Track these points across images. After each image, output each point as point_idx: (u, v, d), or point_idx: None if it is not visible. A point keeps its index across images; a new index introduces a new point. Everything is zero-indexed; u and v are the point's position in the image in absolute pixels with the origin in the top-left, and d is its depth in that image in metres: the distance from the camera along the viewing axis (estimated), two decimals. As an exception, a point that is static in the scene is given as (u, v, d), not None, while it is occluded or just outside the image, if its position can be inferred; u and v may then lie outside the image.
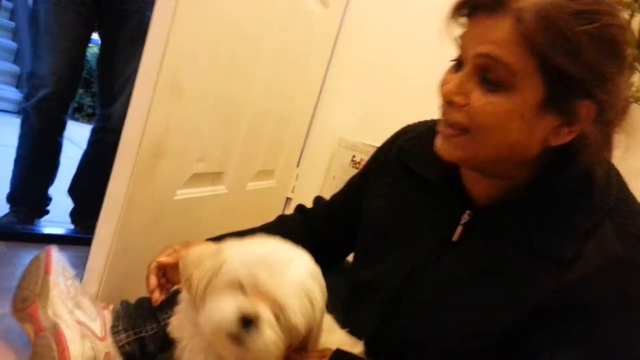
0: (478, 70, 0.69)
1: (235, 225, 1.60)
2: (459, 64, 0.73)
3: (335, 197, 1.14)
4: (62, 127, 1.79)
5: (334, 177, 2.11)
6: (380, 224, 0.94)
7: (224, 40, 1.23)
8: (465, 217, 0.81)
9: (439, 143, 0.76)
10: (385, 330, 0.87)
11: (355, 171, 1.95)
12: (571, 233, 0.72)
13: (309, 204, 2.21)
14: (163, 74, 1.06)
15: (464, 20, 0.72)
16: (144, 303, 1.05)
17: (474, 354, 0.77)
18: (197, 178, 1.33)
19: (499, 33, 0.66)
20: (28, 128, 1.73)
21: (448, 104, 0.72)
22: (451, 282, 0.80)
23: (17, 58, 4.71)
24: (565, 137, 0.69)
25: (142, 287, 1.16)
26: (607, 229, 0.71)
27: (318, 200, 1.24)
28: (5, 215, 1.78)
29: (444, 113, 0.74)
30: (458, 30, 0.72)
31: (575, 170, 0.71)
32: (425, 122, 0.98)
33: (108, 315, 1.03)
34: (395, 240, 0.90)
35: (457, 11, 0.71)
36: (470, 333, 0.77)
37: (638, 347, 0.71)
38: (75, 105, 4.56)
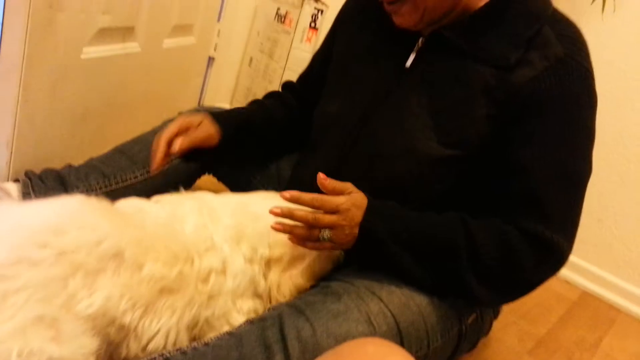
0: None
1: (152, 86, 1.51)
2: None
3: (308, 67, 1.18)
4: None
5: (258, 33, 1.99)
6: (342, 64, 1.01)
7: None
8: (419, 44, 0.88)
9: (398, 20, 0.85)
10: (351, 154, 0.92)
11: (280, 26, 1.86)
12: (515, 40, 0.81)
13: (231, 62, 2.10)
14: None
15: None
16: (49, 175, 1.00)
17: (449, 164, 0.85)
18: (105, 34, 1.20)
19: None
20: None
21: None
22: (409, 104, 0.87)
23: None
24: None
25: (55, 154, 1.09)
26: (547, 34, 0.81)
27: (287, 83, 1.22)
28: None
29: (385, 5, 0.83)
30: None
31: None
32: None
33: (13, 187, 0.97)
34: (355, 76, 0.96)
35: None
36: (440, 147, 0.84)
37: (579, 138, 0.83)
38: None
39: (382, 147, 0.90)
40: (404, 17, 0.85)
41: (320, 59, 1.12)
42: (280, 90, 1.20)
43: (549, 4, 0.85)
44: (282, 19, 1.83)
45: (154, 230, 0.75)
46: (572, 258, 0.87)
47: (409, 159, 0.87)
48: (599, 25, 1.59)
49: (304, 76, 1.18)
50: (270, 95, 1.18)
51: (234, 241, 0.80)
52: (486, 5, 0.84)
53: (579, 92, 0.82)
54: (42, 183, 0.99)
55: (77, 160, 1.07)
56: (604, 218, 1.65)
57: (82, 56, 1.14)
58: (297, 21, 1.76)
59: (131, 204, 0.81)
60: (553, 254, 0.81)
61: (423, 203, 0.88)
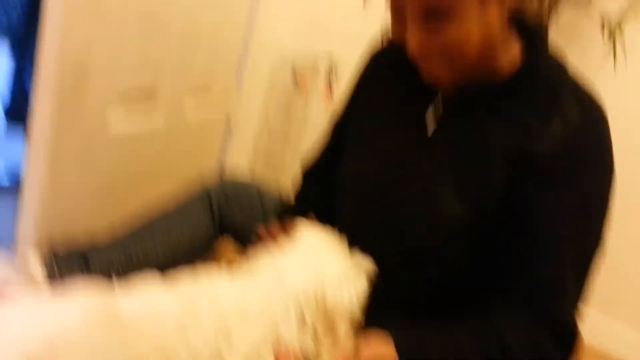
0: (424, 14, 0.74)
1: (172, 150, 1.53)
2: (396, 12, 0.78)
3: (325, 143, 1.15)
4: None
5: (275, 98, 2.03)
6: (360, 129, 0.99)
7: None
8: (440, 108, 0.88)
9: (432, 78, 0.83)
10: (370, 217, 0.91)
11: (296, 90, 1.89)
12: (535, 108, 0.82)
13: (249, 124, 2.14)
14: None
15: None
16: (73, 254, 1.01)
17: (471, 227, 0.83)
18: (129, 95, 1.23)
19: None
20: None
21: (419, 54, 0.79)
22: (431, 162, 0.87)
23: None
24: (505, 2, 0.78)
25: (81, 227, 1.10)
26: (567, 102, 0.81)
27: (304, 172, 1.18)
28: None
29: (416, 60, 0.81)
30: None
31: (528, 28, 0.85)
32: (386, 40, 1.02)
33: (35, 264, 0.98)
34: (375, 132, 0.95)
35: None
36: (462, 207, 0.83)
37: (594, 210, 0.82)
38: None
39: (402, 209, 0.89)
40: (437, 79, 0.84)
41: (338, 130, 1.11)
42: (302, 182, 1.17)
43: (568, 72, 0.86)
44: (299, 82, 1.88)
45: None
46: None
47: (430, 220, 0.85)
48: (611, 79, 1.61)
49: (325, 153, 1.15)
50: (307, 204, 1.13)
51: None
52: (510, 78, 0.84)
53: (597, 163, 0.81)
54: (66, 261, 1.00)
55: (102, 231, 1.08)
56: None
57: (105, 118, 1.17)
58: (313, 84, 1.80)
59: (140, 303, 0.76)
60: (569, 337, 0.79)
61: (442, 273, 0.86)
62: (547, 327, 0.78)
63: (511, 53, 0.85)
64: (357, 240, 0.87)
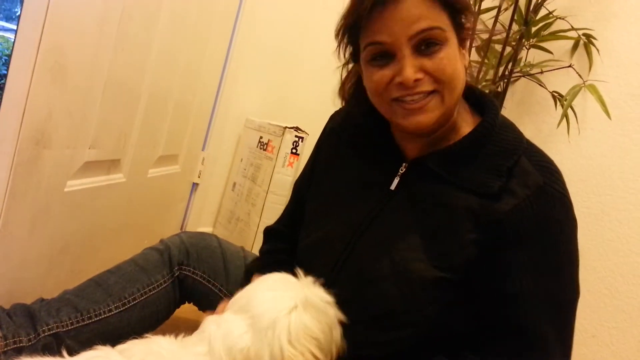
0: (418, 45, 0.80)
1: (135, 214, 1.51)
2: (381, 57, 0.83)
3: (288, 207, 1.17)
4: None
5: (241, 160, 2.05)
6: (323, 193, 1.02)
7: (113, 12, 1.12)
8: (402, 169, 0.91)
9: (420, 117, 0.84)
10: (340, 277, 0.90)
11: (262, 153, 1.92)
12: (496, 170, 0.84)
13: (215, 188, 2.14)
14: (42, 51, 0.94)
15: (364, 23, 0.82)
16: (18, 310, 0.96)
17: (440, 288, 0.83)
18: (90, 167, 1.21)
19: (421, 7, 0.79)
20: None
21: (414, 83, 0.81)
22: (398, 226, 0.88)
23: None
24: (467, 58, 0.87)
25: (30, 291, 1.05)
26: (525, 164, 0.84)
27: (269, 229, 1.19)
28: None
29: (410, 94, 0.83)
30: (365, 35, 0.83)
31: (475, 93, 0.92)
32: (342, 108, 1.06)
33: None
34: (340, 202, 0.97)
35: (355, 24, 0.84)
36: (430, 268, 0.83)
37: (565, 264, 0.84)
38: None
39: (371, 268, 0.88)
40: (426, 115, 0.83)
41: (303, 194, 1.11)
42: (265, 238, 1.16)
43: (523, 137, 0.90)
44: (265, 147, 1.90)
45: None
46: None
47: (400, 280, 0.85)
48: (565, 147, 1.68)
49: (288, 215, 1.16)
50: (273, 257, 1.12)
51: None
52: (467, 137, 0.88)
53: (561, 218, 0.83)
54: (10, 320, 0.94)
55: (54, 294, 1.03)
56: (597, 334, 1.60)
57: (66, 189, 1.15)
58: (279, 148, 1.82)
59: None
60: None
61: (415, 329, 0.85)
62: None
63: (464, 115, 0.91)
64: (330, 293, 0.85)
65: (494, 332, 0.82)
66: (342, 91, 0.99)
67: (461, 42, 0.85)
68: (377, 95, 0.86)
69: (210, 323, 0.77)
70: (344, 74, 0.97)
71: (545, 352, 0.79)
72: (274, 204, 1.80)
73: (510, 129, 0.89)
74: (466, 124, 0.90)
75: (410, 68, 0.80)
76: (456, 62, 0.82)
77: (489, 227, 0.81)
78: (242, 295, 0.81)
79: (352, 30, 0.86)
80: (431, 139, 0.89)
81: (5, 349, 0.91)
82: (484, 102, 0.92)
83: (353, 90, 0.97)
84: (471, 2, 1.08)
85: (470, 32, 0.87)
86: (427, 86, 0.81)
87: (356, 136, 0.99)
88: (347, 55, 0.91)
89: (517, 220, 0.81)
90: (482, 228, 0.82)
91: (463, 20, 0.84)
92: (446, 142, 0.89)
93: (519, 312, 0.80)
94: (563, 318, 0.83)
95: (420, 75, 0.80)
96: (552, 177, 0.84)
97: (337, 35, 0.89)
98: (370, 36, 0.82)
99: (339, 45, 0.90)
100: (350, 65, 0.94)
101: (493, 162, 0.85)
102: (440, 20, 0.80)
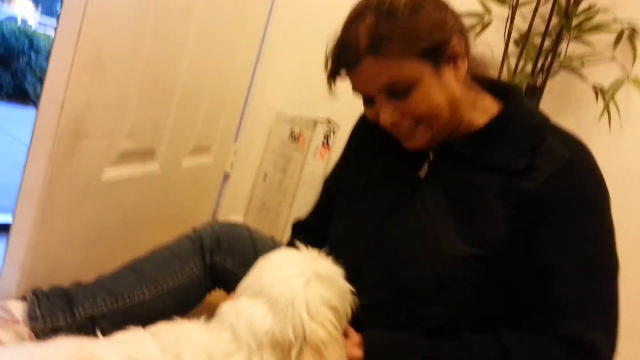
0: (388, 93, 0.86)
1: (168, 203, 1.54)
2: (367, 100, 0.91)
3: (318, 202, 1.20)
4: None
5: (272, 151, 2.06)
6: (354, 184, 1.04)
7: (149, 10, 1.14)
8: (430, 157, 0.94)
9: (413, 143, 0.90)
10: (371, 260, 0.92)
11: (294, 145, 1.93)
12: (521, 149, 0.86)
13: (246, 178, 2.16)
14: (81, 46, 0.97)
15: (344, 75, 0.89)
16: (56, 293, 1.00)
17: (474, 266, 0.85)
18: (126, 156, 1.25)
19: (377, 66, 0.83)
20: None
21: (392, 126, 0.89)
22: (429, 209, 0.90)
23: None
24: (462, 67, 0.88)
25: (68, 276, 1.09)
26: (551, 141, 0.86)
27: (297, 223, 1.22)
28: None
29: (395, 131, 0.91)
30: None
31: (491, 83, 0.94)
32: None
33: (18, 306, 0.97)
34: (369, 191, 0.99)
35: (333, 75, 0.90)
36: (464, 247, 0.85)
37: (599, 234, 0.84)
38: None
39: (404, 250, 0.90)
40: (417, 140, 0.89)
41: (331, 188, 1.14)
42: (293, 232, 1.19)
43: (547, 118, 0.91)
44: (296, 139, 1.91)
45: None
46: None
47: (433, 260, 0.87)
48: (606, 142, 1.63)
49: (318, 210, 1.18)
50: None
51: None
52: (490, 122, 0.90)
53: (591, 191, 0.84)
54: (48, 301, 0.98)
55: (89, 279, 1.06)
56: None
57: (103, 178, 1.18)
58: (310, 140, 1.83)
59: (121, 351, 0.75)
60: (592, 356, 0.78)
61: (448, 307, 0.87)
62: (557, 342, 0.78)
63: (483, 106, 0.92)
64: (356, 289, 0.87)
65: (531, 309, 0.82)
66: None
67: (445, 62, 0.86)
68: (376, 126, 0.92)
69: (229, 311, 0.79)
70: None
71: (585, 324, 0.79)
72: (304, 196, 1.80)
73: (534, 111, 0.93)
74: (486, 114, 0.92)
75: (384, 114, 0.87)
76: (431, 97, 0.85)
77: (519, 203, 0.83)
78: (253, 280, 0.83)
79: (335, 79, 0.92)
80: (451, 136, 0.92)
81: (44, 329, 0.95)
82: (507, 89, 0.94)
83: None
84: None
85: (456, 49, 0.86)
86: (406, 124, 0.88)
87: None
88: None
89: (547, 194, 0.82)
90: (513, 205, 0.83)
91: (443, 48, 0.84)
92: (467, 132, 0.92)
93: (555, 285, 0.80)
94: (603, 286, 0.82)
95: (397, 117, 0.87)
96: (579, 152, 0.86)
97: (328, 81, 0.93)
98: (351, 85, 0.90)
99: (330, 84, 0.93)
100: None
101: (519, 142, 0.87)
102: (401, 68, 0.83)
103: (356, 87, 0.89)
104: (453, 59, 0.87)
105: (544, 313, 0.81)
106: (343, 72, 0.89)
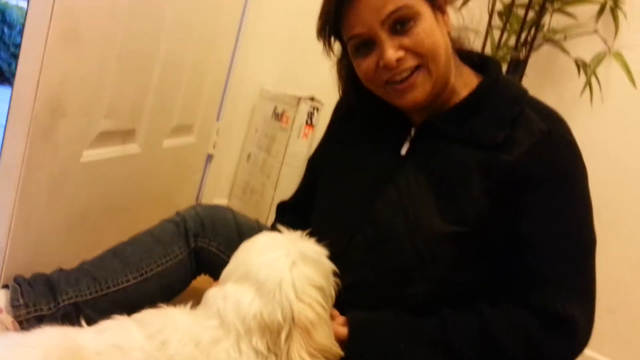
0: (392, 27, 0.83)
1: (150, 185, 1.51)
2: (363, 46, 0.87)
3: (302, 183, 1.19)
4: None
5: (256, 130, 2.03)
6: (336, 164, 1.03)
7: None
8: (411, 134, 0.93)
9: (413, 94, 0.87)
10: (355, 239, 0.92)
11: (277, 123, 1.90)
12: (500, 122, 0.86)
13: (229, 159, 2.13)
14: (56, 16, 0.93)
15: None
16: (38, 280, 0.98)
17: (455, 242, 0.86)
18: (105, 137, 1.21)
19: None
20: None
21: (397, 63, 0.85)
22: (411, 186, 0.90)
23: None
24: (448, 22, 0.89)
25: (50, 260, 1.06)
26: (529, 113, 0.87)
27: (282, 204, 1.22)
28: None
29: (397, 73, 0.86)
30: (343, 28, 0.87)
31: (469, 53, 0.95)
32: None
33: (1, 294, 0.95)
34: (351, 170, 0.99)
35: (333, 20, 0.87)
36: (445, 223, 0.86)
37: (577, 206, 0.85)
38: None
39: (386, 228, 0.90)
40: (417, 91, 0.87)
41: (316, 170, 1.13)
42: (277, 213, 1.19)
43: (525, 90, 0.92)
44: (280, 117, 1.88)
45: None
46: (588, 351, 0.84)
47: (414, 237, 0.87)
48: (588, 117, 1.64)
49: (302, 192, 1.18)
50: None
51: None
52: (470, 95, 0.91)
53: (568, 163, 0.85)
54: (31, 289, 0.96)
55: (72, 264, 1.04)
56: (617, 309, 1.58)
57: (82, 159, 1.15)
58: (294, 119, 1.80)
59: (105, 338, 0.74)
60: (568, 328, 0.80)
61: (430, 284, 0.88)
62: (533, 315, 0.80)
63: (465, 77, 0.93)
64: (340, 268, 0.87)
65: (510, 281, 0.84)
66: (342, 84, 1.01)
67: (439, 9, 0.87)
68: (370, 82, 0.90)
69: (215, 297, 0.78)
70: (341, 69, 0.99)
71: (563, 296, 0.81)
72: (289, 177, 1.79)
73: (512, 83, 0.94)
74: (467, 86, 0.92)
75: (389, 50, 0.84)
76: (433, 32, 0.84)
77: (498, 176, 0.84)
78: (238, 265, 0.82)
79: (331, 28, 0.90)
80: (434, 107, 0.92)
81: (27, 316, 0.92)
82: (485, 62, 0.95)
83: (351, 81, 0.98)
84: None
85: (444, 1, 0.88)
86: (410, 62, 0.85)
87: (367, 109, 1.00)
88: (336, 51, 0.95)
89: (525, 166, 0.83)
90: (492, 178, 0.84)
91: None
92: (449, 106, 0.92)
93: (535, 257, 0.82)
94: (580, 260, 0.84)
95: (401, 54, 0.84)
96: (556, 124, 0.87)
97: (319, 36, 0.92)
98: (348, 31, 0.87)
99: (324, 45, 0.93)
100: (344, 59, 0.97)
101: (497, 115, 0.88)
102: None
103: (356, 25, 0.85)
104: (443, 10, 0.88)
105: (523, 285, 0.83)
106: (343, 11, 0.86)
